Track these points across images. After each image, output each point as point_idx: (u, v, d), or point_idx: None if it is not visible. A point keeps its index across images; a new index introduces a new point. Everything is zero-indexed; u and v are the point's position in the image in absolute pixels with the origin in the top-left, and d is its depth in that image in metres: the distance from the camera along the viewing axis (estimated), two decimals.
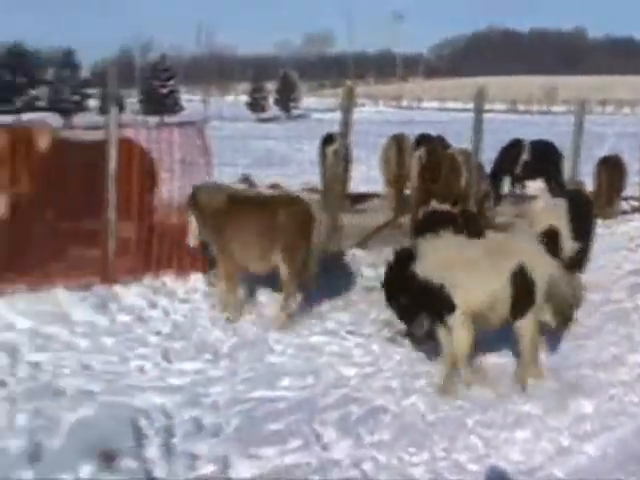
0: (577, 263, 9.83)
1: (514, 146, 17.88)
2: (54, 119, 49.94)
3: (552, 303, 7.16)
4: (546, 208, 9.37)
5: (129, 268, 9.42)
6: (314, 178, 20.95)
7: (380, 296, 10.00)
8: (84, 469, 5.48)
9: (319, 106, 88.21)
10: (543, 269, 7.07)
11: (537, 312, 7.14)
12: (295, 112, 78.14)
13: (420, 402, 6.83)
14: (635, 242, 13.74)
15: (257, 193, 9.72)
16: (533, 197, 15.79)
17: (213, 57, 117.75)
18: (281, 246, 8.63)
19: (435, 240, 7.24)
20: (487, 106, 14.70)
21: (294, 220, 8.66)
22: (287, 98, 78.67)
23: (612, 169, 17.11)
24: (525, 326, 7.16)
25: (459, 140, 18.72)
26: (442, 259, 7.00)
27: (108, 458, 5.48)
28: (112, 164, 9.38)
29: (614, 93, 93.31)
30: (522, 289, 6.96)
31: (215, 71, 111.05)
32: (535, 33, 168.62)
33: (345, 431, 6.24)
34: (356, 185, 18.10)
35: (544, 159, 17.42)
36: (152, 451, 5.82)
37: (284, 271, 8.74)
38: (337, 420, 6.43)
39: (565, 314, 7.29)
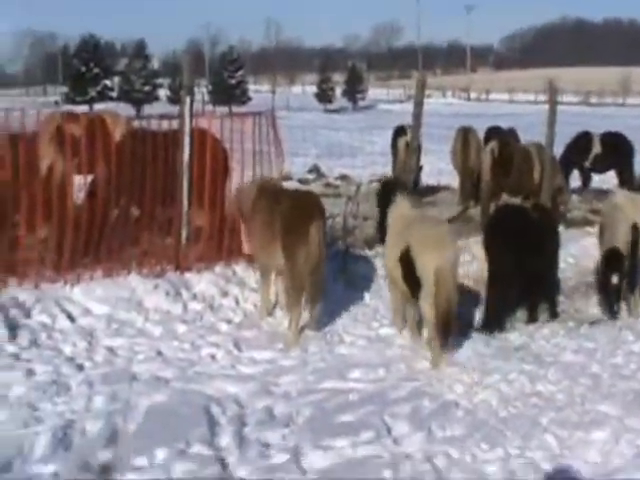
0: None
1: (583, 138, 17.53)
2: (125, 109, 50.75)
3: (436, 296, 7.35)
4: (627, 203, 9.12)
5: (201, 256, 9.50)
6: (383, 169, 20.97)
7: None
8: (158, 454, 5.56)
9: (386, 97, 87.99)
10: (430, 259, 7.30)
11: (426, 298, 7.39)
12: (362, 103, 78.00)
13: (492, 398, 6.74)
14: None
15: (284, 187, 9.26)
16: (605, 191, 15.56)
17: (280, 49, 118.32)
18: (280, 241, 7.98)
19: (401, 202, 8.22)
20: (558, 98, 14.42)
21: (292, 214, 7.92)
22: (354, 89, 78.58)
23: None
24: (421, 307, 7.54)
25: (529, 133, 18.48)
26: (394, 217, 8.09)
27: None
28: (186, 153, 9.46)
29: None
30: (406, 270, 7.50)
31: (282, 62, 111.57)
32: (608, 23, 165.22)
33: (417, 425, 6.20)
34: (425, 177, 18.02)
35: (616, 151, 17.05)
36: (224, 439, 5.87)
37: (284, 271, 8.12)
38: (408, 413, 6.38)
39: (441, 312, 7.36)
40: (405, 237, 7.65)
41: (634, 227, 8.96)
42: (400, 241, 7.72)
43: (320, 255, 7.85)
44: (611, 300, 9.13)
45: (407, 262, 7.54)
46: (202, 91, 61.82)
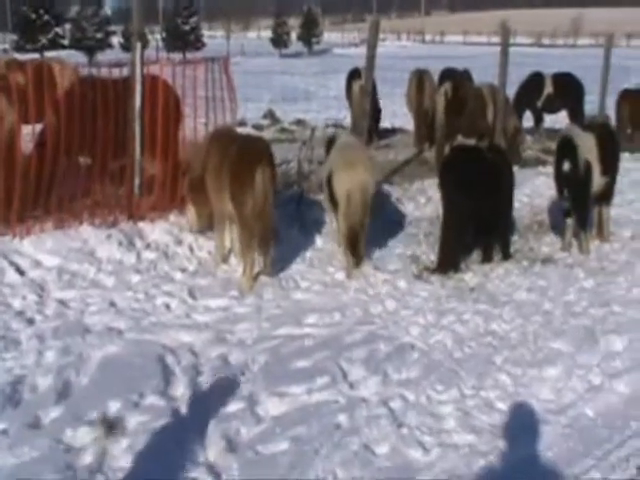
0: (605, 197, 9.70)
1: (535, 79, 17.53)
2: (78, 56, 49.71)
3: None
4: (579, 139, 9.14)
5: (155, 205, 9.37)
6: (338, 114, 20.82)
7: (406, 232, 10.04)
8: (111, 406, 5.50)
9: (341, 41, 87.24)
10: (343, 184, 8.27)
11: (340, 215, 8.39)
12: (317, 48, 77.22)
13: (447, 339, 6.79)
14: None
15: (235, 133, 9.02)
16: (556, 131, 15.61)
17: None
18: (228, 187, 7.93)
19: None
20: (511, 40, 14.37)
21: (239, 160, 7.84)
22: (309, 34, 77.67)
23: (636, 102, 16.66)
24: (337, 223, 8.65)
25: (483, 74, 18.44)
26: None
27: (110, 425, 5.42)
28: (137, 101, 9.25)
29: None
30: (330, 191, 8.49)
31: (237, 8, 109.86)
32: None
33: (372, 369, 6.21)
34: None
35: (567, 91, 17.07)
36: (179, 389, 5.83)
37: (235, 219, 8.12)
38: (364, 358, 6.40)
39: (350, 226, 8.31)
40: (329, 162, 8.75)
41: (586, 163, 9.00)
42: (327, 166, 8.76)
43: (266, 201, 7.75)
44: (561, 188, 9.20)
45: (330, 184, 8.49)
46: (156, 38, 60.70)
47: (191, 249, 8.77)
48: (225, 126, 9.47)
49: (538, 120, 17.63)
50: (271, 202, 7.84)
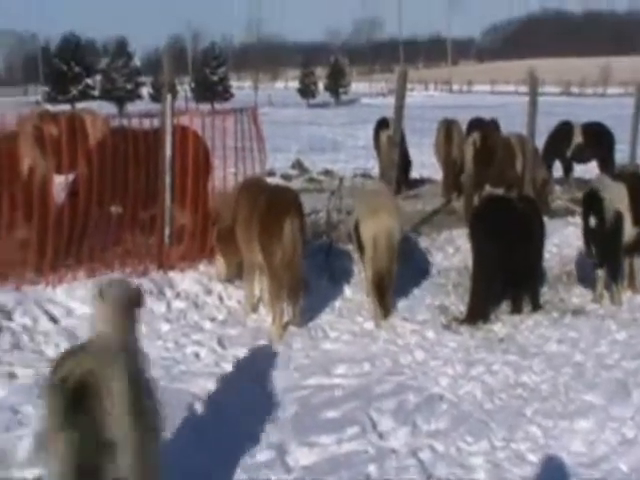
0: (637, 248, 9.65)
1: (564, 128, 17.53)
2: (108, 107, 50.51)
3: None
4: (609, 190, 9.13)
5: (184, 255, 9.46)
6: (366, 163, 20.96)
7: (434, 282, 10.04)
8: None
9: (369, 91, 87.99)
10: (368, 229, 8.45)
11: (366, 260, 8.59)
12: (345, 98, 77.95)
13: (477, 390, 6.76)
14: None
15: (265, 183, 9.16)
16: (586, 181, 15.60)
17: (262, 45, 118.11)
18: (257, 238, 8.02)
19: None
20: (540, 89, 14.43)
21: (268, 210, 7.94)
22: (337, 84, 78.50)
23: None
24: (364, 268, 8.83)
25: (512, 124, 18.49)
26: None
27: None
28: (167, 151, 9.40)
29: None
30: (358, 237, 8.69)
31: (264, 58, 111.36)
32: (589, 14, 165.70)
33: (401, 419, 6.19)
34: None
35: (597, 141, 17.05)
36: (209, 437, 5.84)
37: (264, 269, 8.18)
38: (393, 408, 6.38)
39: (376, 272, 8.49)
40: (356, 209, 9.01)
41: (617, 214, 8.98)
42: (354, 213, 8.98)
43: (295, 251, 7.82)
44: (589, 243, 9.13)
45: (357, 231, 8.68)
46: (185, 88, 61.58)
47: (220, 298, 8.83)
48: (254, 176, 9.60)
49: (567, 170, 17.60)
50: (300, 252, 7.92)
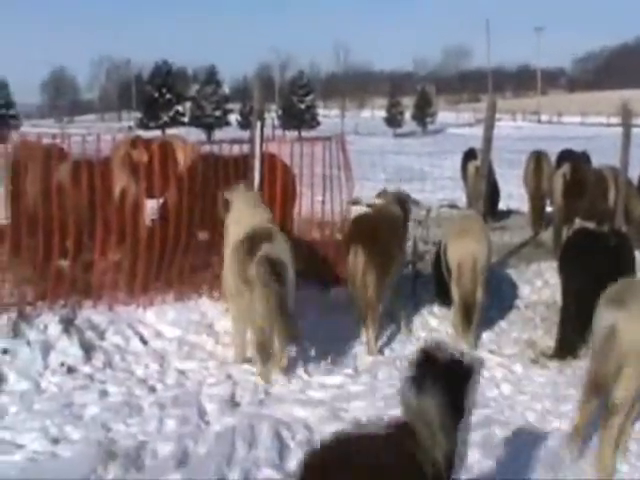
0: None
1: None
2: (197, 134, 51.54)
3: None
4: None
5: None
6: (452, 194, 20.83)
7: (522, 316, 9.90)
8: (229, 477, 5.59)
9: (455, 121, 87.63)
10: (454, 252, 8.66)
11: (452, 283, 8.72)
12: (431, 127, 77.84)
13: (565, 426, 6.61)
14: None
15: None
16: None
17: (349, 73, 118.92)
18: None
19: None
20: (633, 120, 14.15)
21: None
22: (424, 113, 78.49)
23: None
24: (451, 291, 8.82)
25: (604, 156, 18.15)
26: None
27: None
28: (256, 178, 9.56)
29: None
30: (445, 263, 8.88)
31: (351, 87, 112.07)
32: None
33: (488, 453, 6.11)
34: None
35: None
36: (293, 464, 5.85)
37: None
38: (479, 441, 6.29)
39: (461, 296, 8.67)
40: (445, 234, 9.17)
41: None
42: (444, 238, 9.06)
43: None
44: None
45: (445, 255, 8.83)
46: (272, 116, 62.52)
47: None
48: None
49: None
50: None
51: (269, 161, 9.83)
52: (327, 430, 6.37)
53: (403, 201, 9.60)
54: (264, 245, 7.38)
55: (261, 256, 7.28)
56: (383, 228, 8.71)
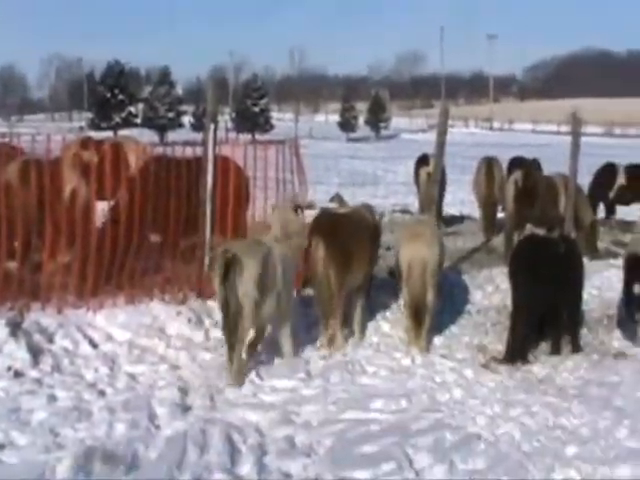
0: None
1: (608, 170, 17.44)
2: (149, 135, 51.16)
3: None
4: None
5: None
6: (405, 199, 20.98)
7: (473, 321, 9.99)
8: None
9: (409, 126, 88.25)
10: (405, 255, 8.70)
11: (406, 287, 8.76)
12: (385, 132, 78.26)
13: (515, 431, 6.66)
14: None
15: None
16: (628, 223, 15.47)
17: (304, 77, 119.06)
18: None
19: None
20: (582, 129, 14.39)
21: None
22: (377, 118, 78.86)
23: None
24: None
25: (554, 163, 18.43)
26: None
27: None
28: (209, 180, 9.51)
29: None
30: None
31: (306, 90, 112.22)
32: (632, 54, 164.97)
33: (438, 457, 6.12)
34: (447, 207, 18.02)
35: None
36: (245, 468, 5.84)
37: None
38: (430, 445, 6.32)
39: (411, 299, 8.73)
40: (398, 238, 9.29)
41: None
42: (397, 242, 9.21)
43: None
44: (632, 309, 9.03)
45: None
46: (225, 118, 62.32)
47: None
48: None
49: (610, 212, 17.47)
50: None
51: (222, 164, 9.78)
52: (279, 434, 6.40)
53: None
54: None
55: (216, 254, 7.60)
56: (346, 227, 8.78)
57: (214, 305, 9.04)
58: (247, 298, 7.43)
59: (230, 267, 7.37)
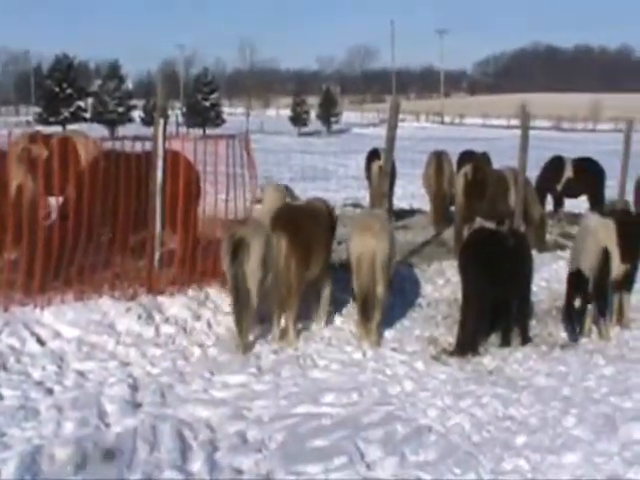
0: (625, 285, 9.70)
1: (555, 163, 17.66)
2: (99, 130, 50.56)
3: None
4: (598, 227, 9.21)
5: (174, 279, 9.45)
6: (356, 193, 21.02)
7: (424, 314, 10.05)
8: (131, 479, 5.49)
9: (360, 121, 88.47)
10: (354, 248, 8.74)
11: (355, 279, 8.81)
12: (336, 127, 78.32)
13: (465, 422, 6.73)
14: None
15: None
16: (576, 215, 15.69)
17: (255, 71, 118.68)
18: None
19: None
20: (531, 123, 14.55)
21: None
22: (328, 113, 78.86)
23: None
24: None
25: (503, 157, 18.63)
26: None
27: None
28: (159, 175, 9.42)
29: None
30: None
31: (257, 85, 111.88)
32: (579, 50, 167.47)
33: (390, 450, 6.16)
34: (398, 201, 18.10)
35: (587, 176, 17.16)
36: (196, 464, 5.81)
37: None
38: (381, 438, 6.35)
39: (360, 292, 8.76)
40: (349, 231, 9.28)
41: (604, 251, 9.04)
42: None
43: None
44: (573, 323, 9.17)
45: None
46: (176, 113, 61.81)
47: (209, 324, 8.82)
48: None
49: (558, 204, 17.69)
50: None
51: (172, 158, 9.69)
52: (230, 430, 6.37)
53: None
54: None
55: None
56: (306, 219, 8.88)
57: (164, 300, 9.01)
58: (253, 277, 8.26)
59: (238, 249, 8.22)
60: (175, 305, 8.94)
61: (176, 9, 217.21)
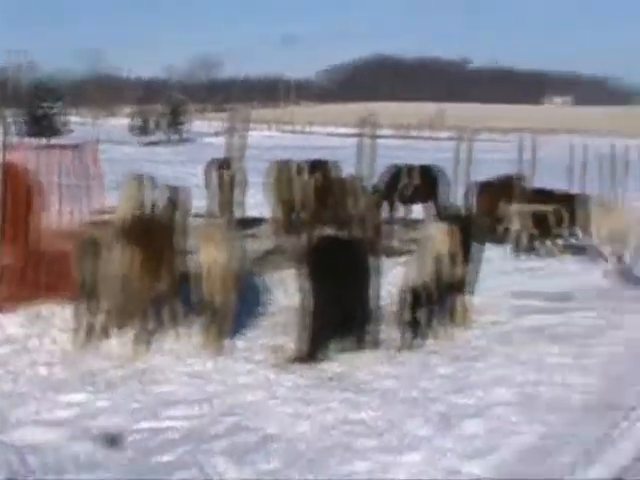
0: (460, 285, 10.08)
1: (392, 171, 18.08)
2: None
3: None
4: (442, 232, 9.57)
5: (9, 296, 9.10)
6: (202, 203, 20.82)
7: (270, 321, 10.10)
8: None
9: (206, 129, 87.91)
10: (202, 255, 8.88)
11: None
12: (181, 136, 77.43)
13: (313, 428, 6.80)
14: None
15: None
16: (417, 222, 16.17)
17: (101, 80, 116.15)
18: None
19: None
20: (377, 132, 14.93)
21: None
22: (175, 121, 77.89)
23: (492, 194, 17.35)
24: None
25: (349, 165, 18.98)
26: None
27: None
28: None
29: (499, 121, 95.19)
30: None
31: (102, 93, 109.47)
32: (418, 61, 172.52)
33: (236, 460, 6.14)
34: (249, 210, 18.08)
35: (424, 184, 17.67)
36: None
37: None
38: (227, 449, 6.32)
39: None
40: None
41: (439, 256, 9.39)
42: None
43: None
44: (414, 326, 9.47)
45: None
46: (19, 121, 59.44)
47: (54, 341, 8.56)
48: None
49: (394, 211, 18.07)
50: None
51: (10, 171, 9.34)
52: (74, 450, 6.18)
53: None
54: None
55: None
56: (152, 230, 8.91)
57: (1, 318, 8.67)
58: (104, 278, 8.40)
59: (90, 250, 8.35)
60: (11, 323, 8.62)
61: (15, 13, 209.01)
